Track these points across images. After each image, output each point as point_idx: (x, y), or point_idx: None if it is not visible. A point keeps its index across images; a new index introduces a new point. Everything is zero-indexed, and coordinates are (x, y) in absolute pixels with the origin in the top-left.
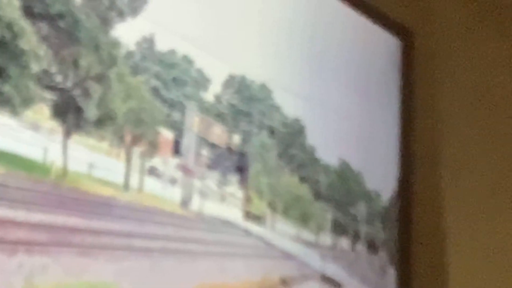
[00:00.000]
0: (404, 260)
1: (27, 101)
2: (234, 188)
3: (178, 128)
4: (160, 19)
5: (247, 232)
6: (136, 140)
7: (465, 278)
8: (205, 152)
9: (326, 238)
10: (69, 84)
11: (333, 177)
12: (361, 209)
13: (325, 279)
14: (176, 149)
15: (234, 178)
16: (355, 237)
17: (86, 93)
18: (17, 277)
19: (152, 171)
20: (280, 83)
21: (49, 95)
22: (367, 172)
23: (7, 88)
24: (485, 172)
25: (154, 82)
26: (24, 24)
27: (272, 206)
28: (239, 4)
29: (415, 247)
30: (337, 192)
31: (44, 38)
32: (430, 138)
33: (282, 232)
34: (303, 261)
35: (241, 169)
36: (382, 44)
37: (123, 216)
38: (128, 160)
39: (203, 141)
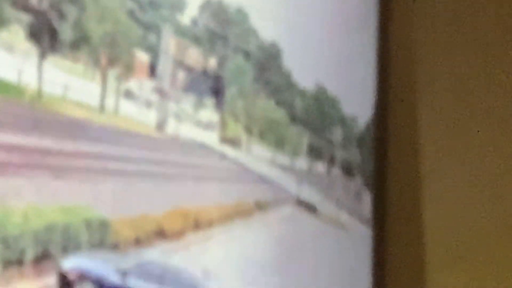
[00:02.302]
0: (380, 184)
1: (2, 22)
2: (209, 112)
3: (154, 51)
4: None
5: (222, 156)
6: (111, 63)
7: (440, 200)
8: (181, 75)
9: (302, 162)
10: (44, 5)
11: (309, 101)
12: (337, 133)
13: (301, 203)
14: (152, 72)
15: (209, 101)
16: (331, 162)
17: (61, 15)
18: None
19: (128, 94)
20: (257, 7)
21: (24, 17)
22: (343, 97)
23: None
24: (462, 95)
25: (130, 4)
26: None
27: (247, 129)
28: None
29: (391, 171)
30: (313, 117)
31: None
32: (406, 63)
33: (257, 156)
34: (279, 185)
35: (217, 93)
36: None
37: (98, 139)
38: (104, 82)
39: (179, 64)
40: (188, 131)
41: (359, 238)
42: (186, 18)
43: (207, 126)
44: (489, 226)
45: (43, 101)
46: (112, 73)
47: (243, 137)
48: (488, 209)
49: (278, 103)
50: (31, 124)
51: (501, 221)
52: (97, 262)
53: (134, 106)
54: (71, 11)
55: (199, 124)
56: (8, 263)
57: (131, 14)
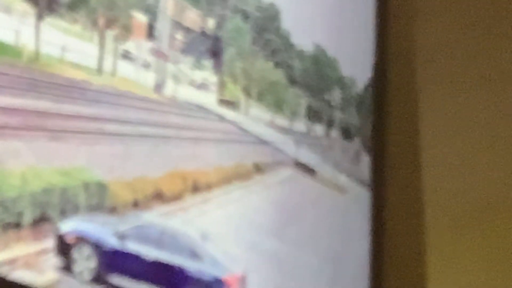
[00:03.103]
0: (379, 147)
1: None
2: (208, 73)
3: (152, 12)
4: None
5: (221, 117)
6: (109, 24)
7: (438, 162)
8: (179, 36)
9: (300, 124)
10: None
11: (308, 62)
12: (335, 95)
13: (299, 165)
14: (150, 33)
15: (208, 62)
16: (330, 124)
17: None
18: None
19: (126, 55)
20: None
21: None
22: (342, 58)
23: None
24: (462, 55)
25: None
26: None
27: (246, 91)
28: None
29: (389, 133)
30: (312, 78)
31: None
32: (406, 24)
33: (256, 118)
34: (277, 147)
35: (215, 54)
36: None
37: (96, 100)
38: (102, 43)
39: (177, 25)
40: (186, 92)
41: (358, 201)
42: None
43: (206, 87)
44: (490, 190)
45: (41, 63)
46: (110, 34)
47: (242, 98)
48: (489, 173)
49: (277, 64)
50: (28, 85)
51: (502, 186)
52: (95, 225)
53: (132, 68)
54: None
55: (197, 85)
56: (6, 226)
57: None
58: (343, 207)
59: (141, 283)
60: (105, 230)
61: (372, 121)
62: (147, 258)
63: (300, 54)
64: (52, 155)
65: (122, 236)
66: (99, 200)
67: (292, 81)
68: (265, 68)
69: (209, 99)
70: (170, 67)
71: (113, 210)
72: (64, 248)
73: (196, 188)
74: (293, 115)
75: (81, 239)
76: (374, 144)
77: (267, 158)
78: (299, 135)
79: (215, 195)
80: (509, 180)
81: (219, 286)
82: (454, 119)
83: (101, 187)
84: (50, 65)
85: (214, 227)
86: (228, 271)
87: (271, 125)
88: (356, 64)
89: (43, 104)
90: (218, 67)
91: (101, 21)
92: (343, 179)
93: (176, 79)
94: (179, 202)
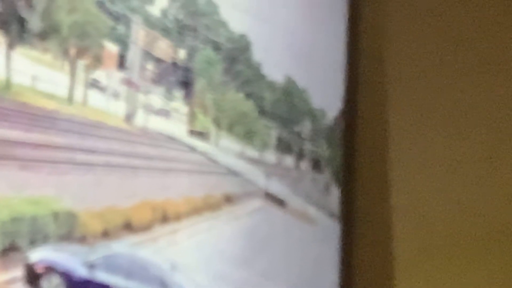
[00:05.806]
0: (348, 179)
1: None
2: (179, 104)
3: (123, 42)
4: None
5: (191, 148)
6: (80, 53)
7: (408, 194)
8: (150, 66)
9: (271, 156)
10: None
11: (278, 94)
12: (306, 127)
13: (269, 196)
14: (121, 63)
15: (179, 93)
16: (300, 155)
17: (30, 5)
18: None
19: (96, 85)
20: None
21: None
22: (312, 90)
23: None
24: (432, 88)
25: None
26: None
27: (216, 122)
28: None
29: (359, 165)
30: (282, 110)
31: None
32: (376, 56)
33: (226, 149)
34: (247, 178)
35: (186, 84)
36: None
37: (67, 130)
38: (73, 73)
39: (148, 55)
40: (156, 123)
41: (327, 232)
42: (156, 9)
43: (176, 118)
44: (458, 221)
45: (11, 92)
46: (81, 64)
47: (212, 129)
48: (456, 205)
49: (248, 95)
50: None
51: (469, 216)
52: (65, 255)
53: (103, 98)
54: (40, 1)
55: (168, 116)
56: None
57: (100, 4)
58: (312, 238)
59: None
60: (74, 260)
61: (342, 152)
62: None
63: (271, 86)
64: (22, 184)
65: (91, 266)
66: (69, 229)
67: (263, 112)
68: (235, 99)
69: (179, 129)
70: (141, 97)
71: (82, 239)
72: (33, 277)
73: (165, 219)
74: (263, 146)
75: (50, 269)
76: (344, 176)
77: (237, 189)
78: (269, 167)
79: (185, 226)
80: (478, 210)
81: None
82: (424, 151)
83: (71, 217)
84: (21, 94)
85: (183, 258)
86: None
87: (241, 156)
88: (327, 96)
89: (13, 133)
90: (188, 97)
91: (72, 51)
92: (312, 210)
93: (147, 109)
94: (148, 232)
